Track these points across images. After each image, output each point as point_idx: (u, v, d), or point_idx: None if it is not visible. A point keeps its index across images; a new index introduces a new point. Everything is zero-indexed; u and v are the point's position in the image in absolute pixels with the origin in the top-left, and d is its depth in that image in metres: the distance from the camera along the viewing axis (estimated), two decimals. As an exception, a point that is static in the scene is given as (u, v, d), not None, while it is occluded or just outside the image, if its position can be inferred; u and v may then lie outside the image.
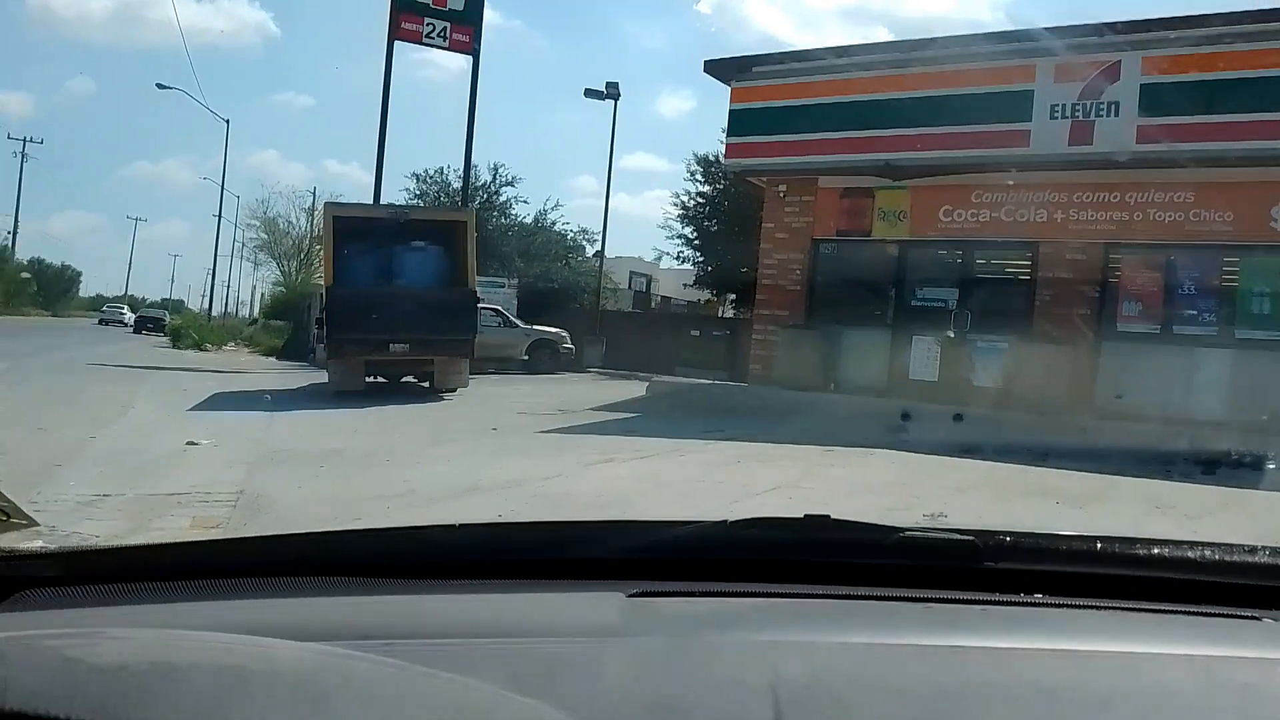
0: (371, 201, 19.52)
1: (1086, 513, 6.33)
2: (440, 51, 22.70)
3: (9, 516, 1.15)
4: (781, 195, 12.86)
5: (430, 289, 13.53)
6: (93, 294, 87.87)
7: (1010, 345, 11.06)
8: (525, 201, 28.79)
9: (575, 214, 49.12)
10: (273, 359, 26.43)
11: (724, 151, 14.40)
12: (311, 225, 45.39)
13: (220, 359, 24.78)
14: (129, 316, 49.47)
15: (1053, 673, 0.87)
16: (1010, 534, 1.16)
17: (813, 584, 1.10)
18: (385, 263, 13.66)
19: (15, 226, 60.44)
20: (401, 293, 13.35)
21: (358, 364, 13.46)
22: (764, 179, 13.20)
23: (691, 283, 25.79)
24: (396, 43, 22.22)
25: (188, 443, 8.25)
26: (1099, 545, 1.19)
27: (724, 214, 23.02)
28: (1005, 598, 1.07)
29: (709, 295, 26.80)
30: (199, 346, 28.22)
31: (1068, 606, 1.06)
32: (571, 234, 29.13)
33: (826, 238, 12.66)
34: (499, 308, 21.44)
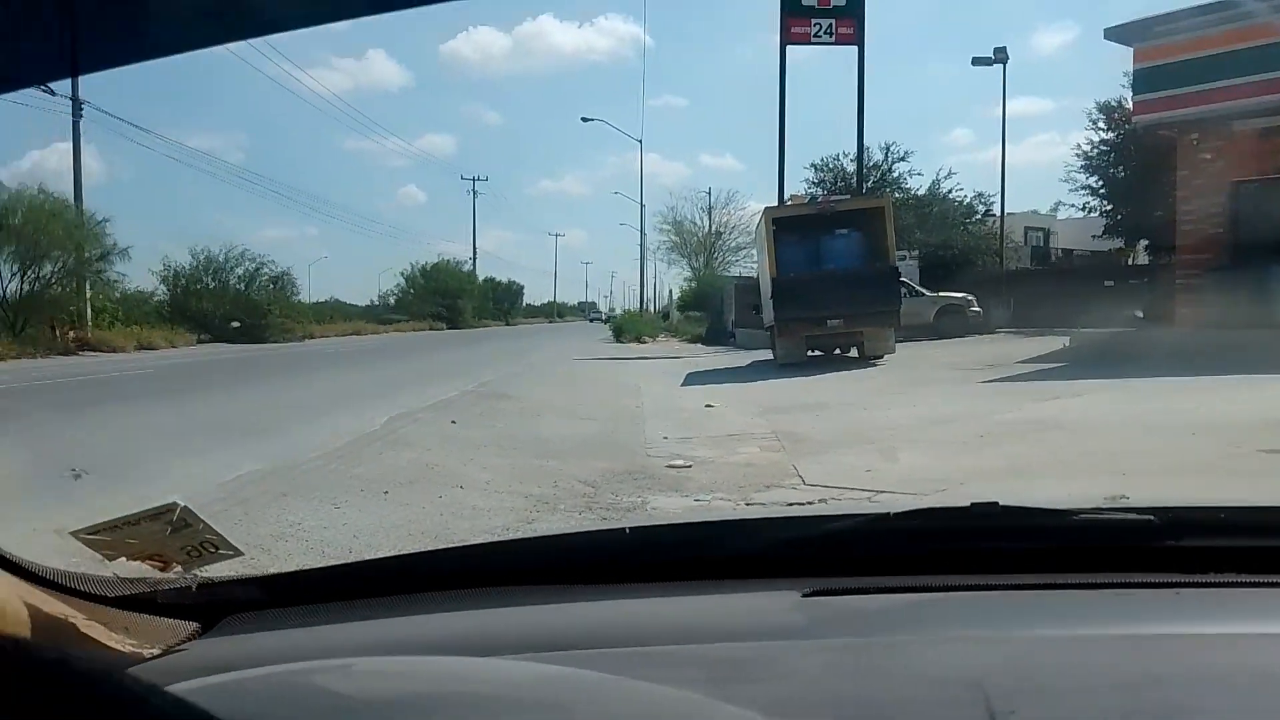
0: (777, 196, 21.97)
1: None
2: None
3: (217, 549, 1.14)
4: (1195, 143, 13.26)
5: (857, 269, 15.59)
6: (525, 303, 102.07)
7: None
8: (919, 174, 30.09)
9: (956, 174, 48.99)
10: (699, 345, 29.66)
11: (1132, 109, 14.92)
12: (711, 224, 49.69)
13: (659, 348, 28.73)
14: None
15: (1267, 658, 0.84)
16: (1189, 508, 1.12)
17: (986, 574, 1.07)
18: (816, 250, 15.96)
19: (475, 254, 72.59)
20: (833, 274, 15.55)
21: (801, 339, 15.93)
22: (1175, 129, 13.65)
23: (1100, 233, 25.44)
24: (775, 41, 23.57)
25: (706, 404, 11.02)
26: (1273, 515, 1.14)
27: (1131, 160, 22.56)
28: (1198, 579, 1.03)
29: (1119, 244, 26.13)
30: (638, 339, 32.64)
31: (1260, 585, 1.02)
32: (966, 199, 29.84)
33: (1247, 179, 12.90)
34: (904, 279, 22.84)
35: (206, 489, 5.91)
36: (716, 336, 29.96)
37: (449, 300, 59.43)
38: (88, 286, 25.39)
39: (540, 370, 18.97)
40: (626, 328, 34.86)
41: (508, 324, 74.46)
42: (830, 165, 31.19)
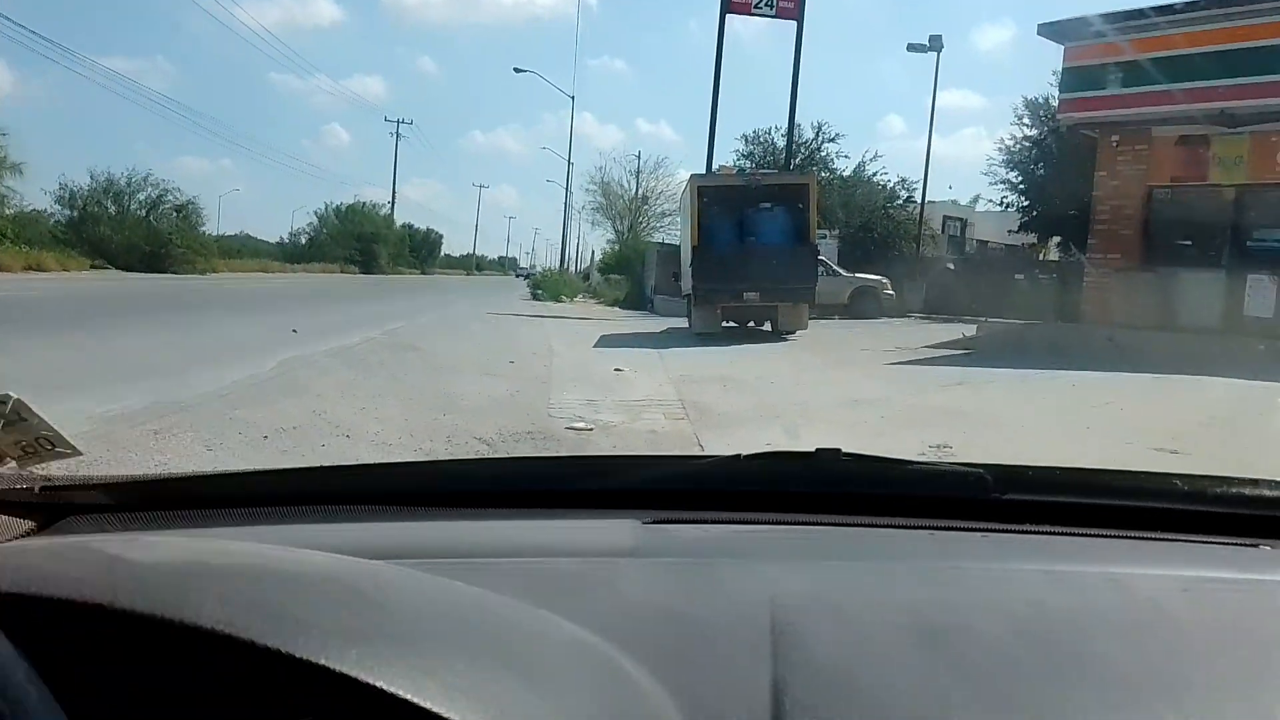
0: (706, 165, 21.84)
1: None
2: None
3: (54, 446, 1.11)
4: (1115, 145, 13.51)
5: (778, 245, 15.55)
6: (444, 253, 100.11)
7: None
8: (847, 156, 30.28)
9: (883, 157, 49.72)
10: (617, 309, 29.52)
11: (1057, 108, 15.13)
12: (638, 188, 49.35)
13: (577, 309, 28.42)
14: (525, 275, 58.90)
15: (1047, 592, 0.89)
16: (1016, 466, 1.18)
17: (822, 514, 1.12)
18: (739, 222, 15.87)
19: (393, 199, 70.69)
20: (753, 248, 15.50)
21: (717, 310, 15.87)
22: (1097, 130, 13.88)
23: (1015, 228, 26.01)
24: (724, 14, 23.76)
25: (615, 369, 10.85)
26: (1104, 478, 1.22)
27: (1051, 157, 23.05)
28: (1007, 525, 1.09)
29: (1033, 239, 26.77)
30: (556, 299, 32.29)
31: (1069, 534, 1.08)
32: (890, 184, 30.16)
33: (1161, 184, 13.21)
34: (822, 258, 23.03)
35: (74, 421, 5.51)
36: (636, 302, 30.04)
37: (364, 244, 57.76)
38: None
39: (453, 324, 18.56)
40: (545, 287, 34.42)
41: (424, 273, 72.89)
42: (761, 139, 31.24)
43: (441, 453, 5.56)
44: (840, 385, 9.70)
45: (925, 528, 1.09)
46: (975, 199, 36.52)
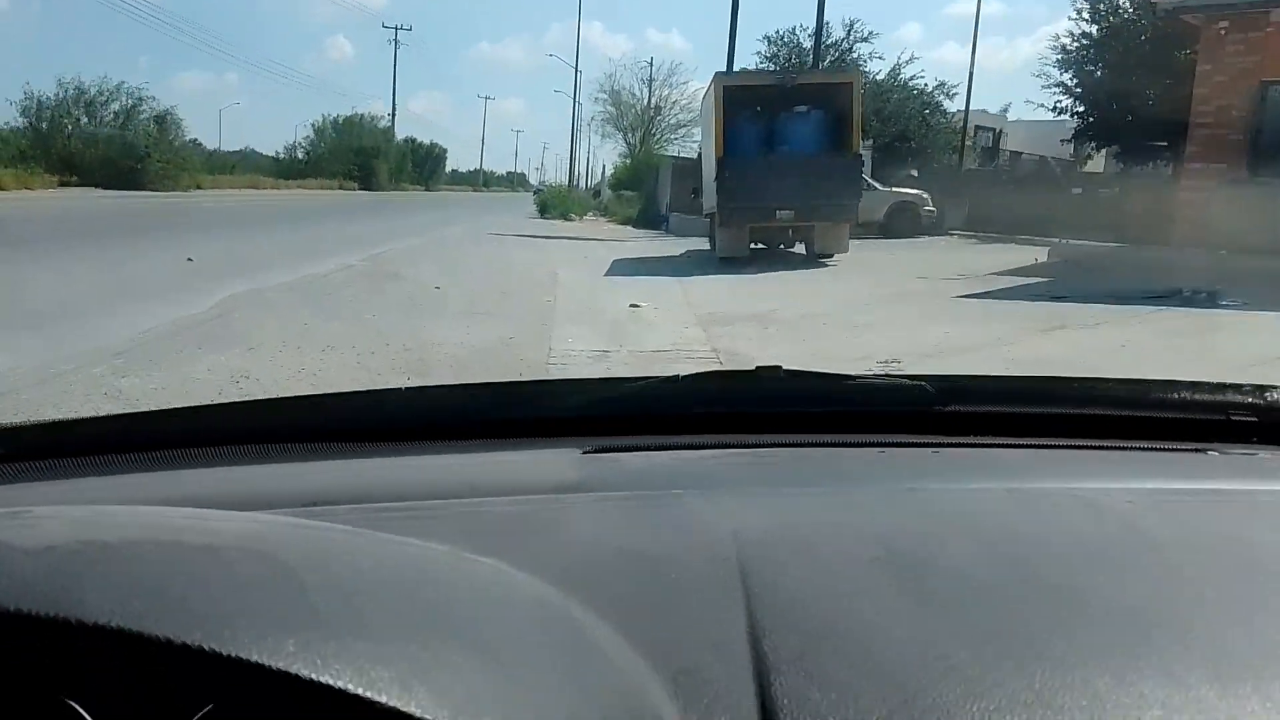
0: (726, 68, 19.64)
1: None
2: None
3: None
4: (1222, 34, 11.33)
5: (816, 155, 13.54)
6: (449, 169, 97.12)
7: None
8: (880, 58, 27.52)
9: (919, 59, 46.26)
10: (629, 228, 28.01)
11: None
12: (650, 97, 46.67)
13: (587, 228, 26.60)
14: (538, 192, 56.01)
15: (1014, 513, 0.87)
16: (961, 377, 1.17)
17: (768, 434, 1.09)
18: (771, 129, 13.85)
19: (393, 110, 67.68)
20: (788, 159, 13.47)
21: (745, 231, 13.90)
22: (1199, 16, 11.67)
23: (1068, 137, 23.64)
24: None
25: (631, 305, 9.05)
26: (1049, 385, 1.21)
27: (1116, 58, 20.66)
28: (956, 440, 1.07)
29: (1089, 150, 24.50)
30: (565, 217, 30.35)
31: (1018, 447, 1.06)
32: (928, 88, 27.58)
33: (1278, 79, 11.06)
34: (857, 170, 21.07)
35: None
36: (649, 220, 28.49)
37: (363, 159, 54.95)
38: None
39: (447, 245, 16.75)
40: (553, 204, 32.33)
41: (427, 190, 70.09)
42: (785, 40, 28.45)
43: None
44: (909, 327, 7.88)
45: (873, 445, 1.07)
46: (1006, 107, 34.32)
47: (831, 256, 14.24)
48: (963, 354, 6.54)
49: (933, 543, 0.78)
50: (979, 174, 25.34)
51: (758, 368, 1.16)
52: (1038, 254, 13.61)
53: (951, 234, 21.54)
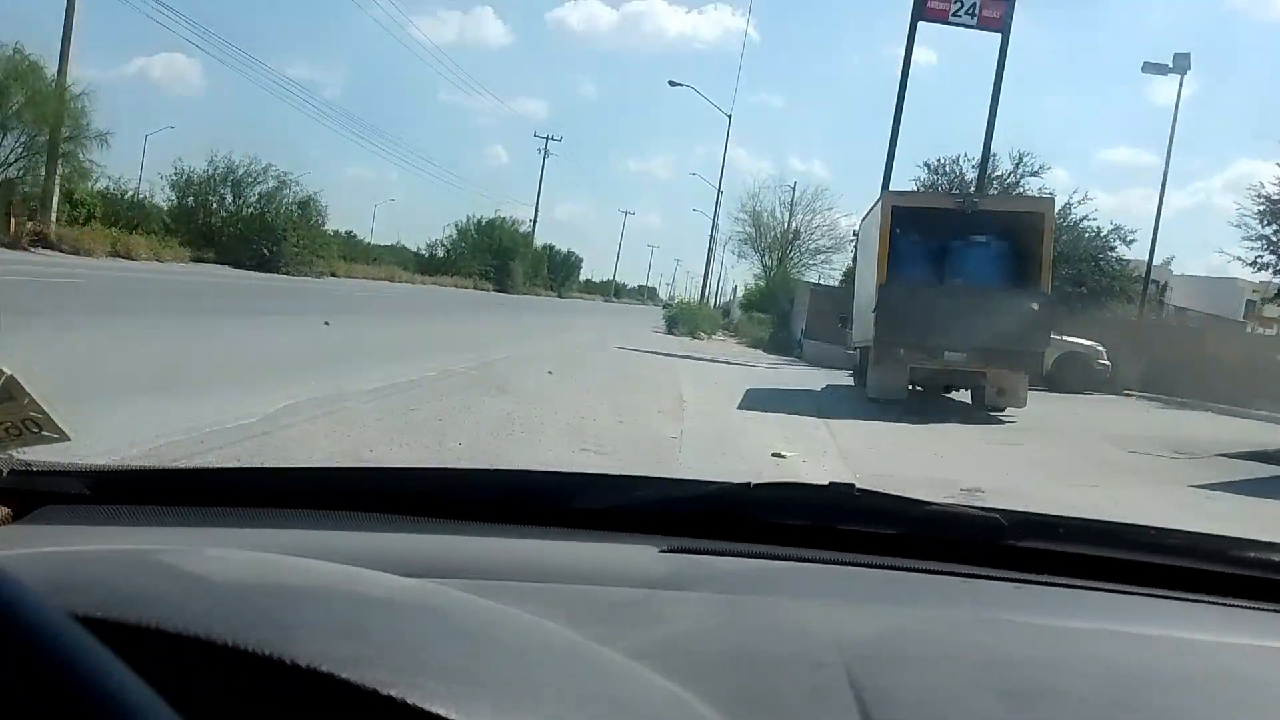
0: (879, 191, 18.09)
1: None
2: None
3: (40, 428, 1.00)
4: None
5: (996, 290, 11.67)
6: (583, 277, 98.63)
7: None
8: (1050, 193, 25.28)
9: (1093, 199, 43.45)
10: (759, 351, 26.54)
11: None
12: (790, 220, 45.61)
13: (715, 347, 25.14)
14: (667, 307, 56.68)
15: (1111, 651, 0.86)
16: (1036, 515, 1.18)
17: (837, 551, 1.09)
18: (943, 257, 12.10)
19: (535, 215, 68.81)
20: (963, 293, 11.65)
21: (904, 370, 12.00)
22: None
23: (1274, 294, 20.90)
24: (887, 51, 20.71)
25: (774, 454, 7.28)
26: (1119, 530, 1.20)
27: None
28: (1034, 577, 1.06)
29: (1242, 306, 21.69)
30: (693, 334, 28.98)
31: (1098, 590, 1.05)
32: (1102, 231, 25.24)
33: None
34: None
35: None
36: (781, 344, 27.02)
37: (500, 260, 55.54)
38: (60, 169, 21.44)
39: (567, 355, 15.38)
40: (683, 319, 30.96)
41: (559, 295, 70.52)
42: (946, 168, 26.68)
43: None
44: (1162, 520, 5.81)
45: (955, 574, 1.06)
46: (1169, 259, 31.67)
47: (1004, 411, 12.14)
48: None
49: (1041, 674, 0.78)
50: (1160, 326, 22.77)
51: (830, 483, 1.15)
52: (1238, 425, 11.19)
53: (1128, 393, 19.04)
